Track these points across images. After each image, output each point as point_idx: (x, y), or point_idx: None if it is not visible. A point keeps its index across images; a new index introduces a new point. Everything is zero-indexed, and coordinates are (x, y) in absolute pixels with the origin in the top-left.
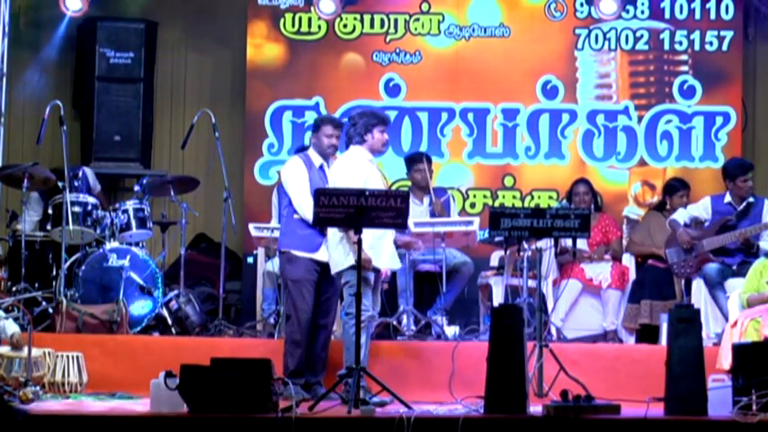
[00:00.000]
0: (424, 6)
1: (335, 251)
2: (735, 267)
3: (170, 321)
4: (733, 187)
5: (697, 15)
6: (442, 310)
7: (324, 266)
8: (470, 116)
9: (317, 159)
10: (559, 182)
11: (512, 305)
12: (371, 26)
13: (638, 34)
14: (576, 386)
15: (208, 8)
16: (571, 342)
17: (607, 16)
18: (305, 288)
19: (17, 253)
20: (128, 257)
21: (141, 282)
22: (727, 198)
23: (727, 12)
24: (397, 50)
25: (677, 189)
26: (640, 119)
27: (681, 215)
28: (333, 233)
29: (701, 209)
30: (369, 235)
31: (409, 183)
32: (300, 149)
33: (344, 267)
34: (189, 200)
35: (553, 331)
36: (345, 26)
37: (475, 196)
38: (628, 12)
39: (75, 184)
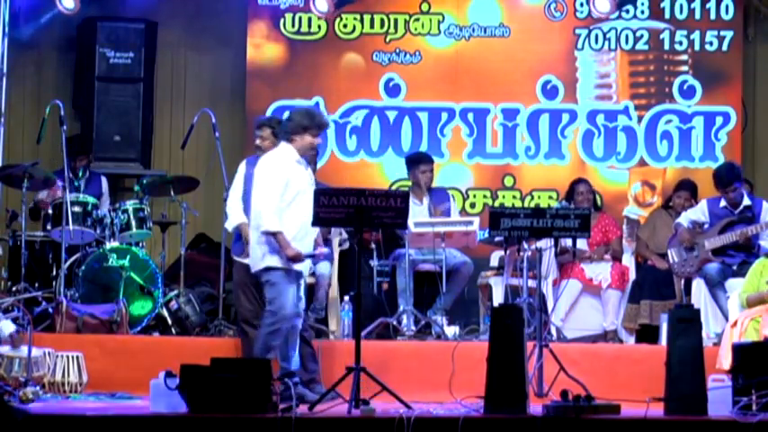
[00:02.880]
0: (424, 6)
1: (254, 250)
2: (735, 267)
3: (170, 321)
4: (724, 194)
5: (697, 15)
6: (442, 311)
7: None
8: (470, 116)
9: None
10: (559, 182)
11: (512, 305)
12: (371, 26)
13: (638, 34)
14: (576, 386)
15: (208, 8)
16: (571, 342)
17: (602, 14)
18: (237, 291)
19: (17, 253)
20: (128, 257)
21: (141, 282)
22: (723, 203)
23: (727, 12)
24: (397, 50)
25: (678, 188)
26: (640, 119)
27: (683, 219)
28: (253, 231)
29: (699, 212)
30: (294, 227)
31: (409, 183)
32: None
33: (260, 268)
34: (189, 200)
35: (553, 331)
36: (345, 26)
37: (475, 196)
38: (628, 12)
39: (76, 183)
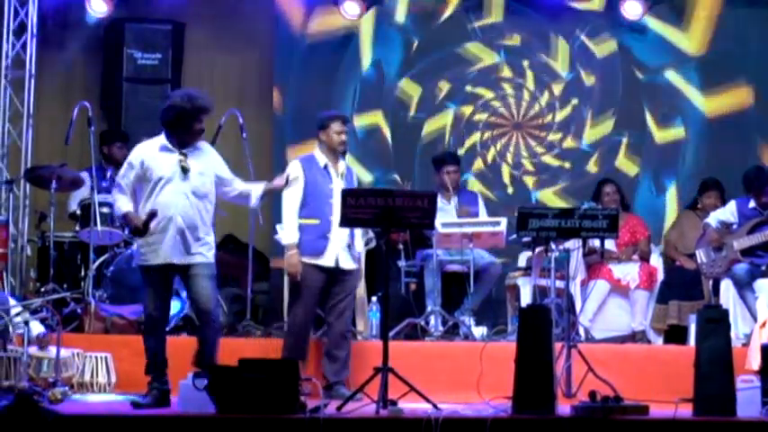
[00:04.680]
0: None
1: None
2: (764, 268)
3: (198, 322)
4: (756, 198)
5: None
6: (470, 311)
7: (329, 271)
8: None
9: (321, 159)
10: None
11: (539, 306)
12: None
13: None
14: (605, 387)
15: (235, 9)
16: (599, 342)
17: (634, 18)
18: (306, 292)
19: (46, 254)
20: None
21: None
22: (752, 203)
23: None
24: None
25: (706, 188)
26: None
27: (711, 220)
28: None
29: (728, 213)
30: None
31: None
32: None
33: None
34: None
35: (581, 332)
36: None
37: None
38: None
39: (104, 184)
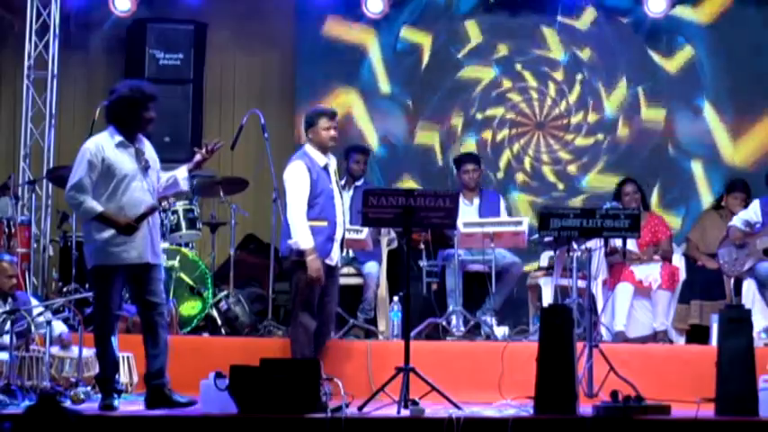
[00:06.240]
0: None
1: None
2: None
3: (220, 322)
4: None
5: None
6: (492, 311)
7: (328, 267)
8: None
9: (319, 158)
10: None
11: (561, 305)
12: None
13: None
14: (626, 387)
15: (257, 9)
16: (621, 342)
17: (657, 14)
18: (315, 290)
19: (68, 254)
20: (177, 258)
21: (191, 282)
22: None
23: None
24: None
25: (733, 188)
26: None
27: (736, 221)
28: None
29: (752, 212)
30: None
31: None
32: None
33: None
34: (238, 200)
35: (603, 332)
36: None
37: None
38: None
39: None
